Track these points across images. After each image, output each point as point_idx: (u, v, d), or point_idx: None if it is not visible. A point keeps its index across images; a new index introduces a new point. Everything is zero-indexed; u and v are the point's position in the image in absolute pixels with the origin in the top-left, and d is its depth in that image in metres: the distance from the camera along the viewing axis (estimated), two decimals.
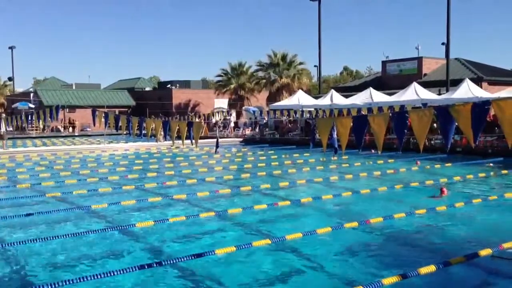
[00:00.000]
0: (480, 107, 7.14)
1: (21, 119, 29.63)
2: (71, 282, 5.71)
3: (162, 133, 21.00)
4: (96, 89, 58.77)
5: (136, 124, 16.94)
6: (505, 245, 6.84)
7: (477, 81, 30.35)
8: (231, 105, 49.09)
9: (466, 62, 38.29)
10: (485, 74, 35.03)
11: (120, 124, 18.25)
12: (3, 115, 26.91)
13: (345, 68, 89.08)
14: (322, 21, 41.56)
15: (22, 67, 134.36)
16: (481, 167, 16.26)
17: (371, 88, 27.40)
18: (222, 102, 50.56)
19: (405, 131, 9.08)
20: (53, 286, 5.47)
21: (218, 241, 7.83)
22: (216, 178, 14.67)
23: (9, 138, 27.26)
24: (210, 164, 18.53)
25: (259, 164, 18.00)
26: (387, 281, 5.50)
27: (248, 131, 36.18)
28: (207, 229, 8.68)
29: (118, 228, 8.63)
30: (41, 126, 43.82)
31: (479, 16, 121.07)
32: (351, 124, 9.48)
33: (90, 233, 8.17)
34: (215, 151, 21.89)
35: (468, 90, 22.76)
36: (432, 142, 21.61)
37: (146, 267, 6.23)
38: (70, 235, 7.96)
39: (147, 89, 62.30)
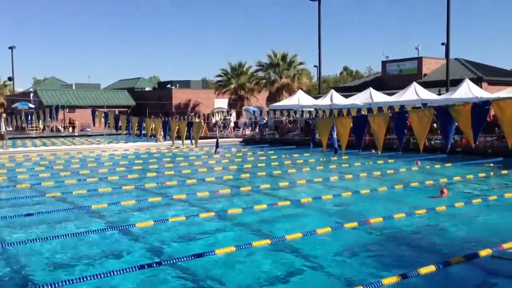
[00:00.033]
0: (480, 107, 7.14)
1: (21, 119, 29.67)
2: (71, 282, 5.71)
3: (162, 133, 21.02)
4: (96, 89, 58.78)
5: (136, 124, 16.94)
6: (505, 245, 6.83)
7: (477, 81, 30.37)
8: (231, 105, 49.10)
9: (466, 62, 38.31)
10: (485, 74, 35.04)
11: (120, 124, 18.25)
12: (4, 115, 26.90)
13: (345, 68, 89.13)
14: (322, 21, 41.62)
15: (22, 67, 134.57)
16: (481, 167, 16.27)
17: (371, 88, 27.40)
18: (222, 102, 50.58)
19: (405, 131, 9.08)
20: (53, 286, 5.47)
21: (218, 241, 7.82)
22: (216, 178, 14.66)
23: (9, 138, 27.25)
24: (210, 164, 18.53)
25: (259, 164, 17.99)
26: (387, 281, 5.50)
27: (248, 131, 36.18)
28: (207, 229, 8.67)
29: (118, 228, 8.62)
30: (41, 126, 43.82)
31: (479, 16, 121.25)
32: (351, 124, 9.48)
33: (90, 233, 8.17)
34: (215, 151, 21.88)
35: (468, 90, 22.76)
36: (432, 142, 21.61)
37: (146, 267, 6.23)
38: (70, 235, 7.95)
39: (147, 89, 62.32)
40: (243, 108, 45.13)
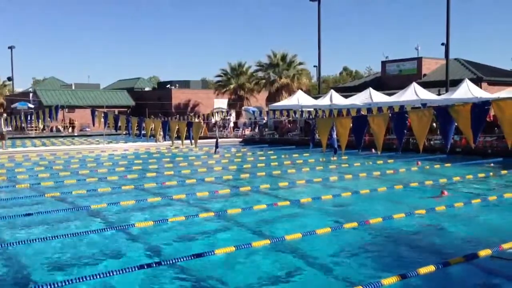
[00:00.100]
0: (479, 108, 7.15)
1: (20, 119, 29.64)
2: (71, 282, 5.71)
3: (162, 133, 21.03)
4: (96, 89, 58.77)
5: (135, 124, 16.95)
6: (505, 246, 6.84)
7: (477, 82, 30.39)
8: (230, 105, 49.12)
9: (466, 62, 38.34)
10: (484, 74, 35.06)
11: (119, 124, 18.25)
12: (4, 115, 26.90)
13: (345, 68, 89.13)
14: (321, 21, 41.66)
15: (21, 67, 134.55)
16: (481, 167, 16.27)
17: (370, 88, 27.41)
18: (221, 102, 50.64)
19: (405, 131, 9.09)
20: (53, 286, 5.46)
21: (218, 241, 7.82)
22: (216, 178, 14.66)
23: (8, 138, 27.24)
24: (210, 164, 18.52)
25: (258, 164, 17.99)
26: (386, 281, 5.50)
27: (247, 131, 36.18)
28: (207, 229, 8.67)
29: (117, 228, 8.62)
30: (41, 126, 43.82)
31: (479, 16, 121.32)
32: (351, 124, 9.49)
33: (89, 233, 8.16)
34: (215, 151, 21.88)
35: (467, 91, 22.76)
36: (432, 142, 21.60)
37: (145, 267, 6.23)
38: (69, 235, 7.95)
39: (147, 89, 62.32)
40: (243, 108, 45.14)
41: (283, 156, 21.03)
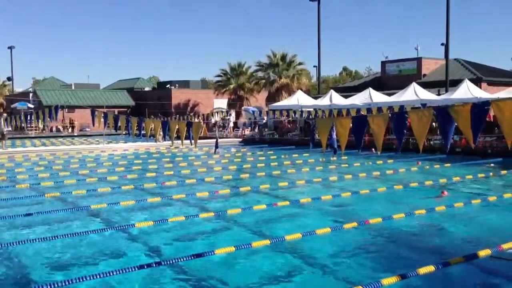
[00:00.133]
0: (479, 108, 7.17)
1: (20, 119, 29.66)
2: (71, 282, 5.71)
3: (161, 133, 21.01)
4: (95, 89, 58.77)
5: (135, 124, 16.96)
6: (504, 246, 6.84)
7: (477, 82, 30.40)
8: (230, 105, 49.14)
9: (466, 62, 38.36)
10: (484, 74, 35.08)
11: (119, 124, 18.27)
12: (5, 114, 26.91)
13: (345, 69, 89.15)
14: (321, 21, 41.69)
15: (21, 67, 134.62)
16: (481, 167, 16.28)
17: (370, 89, 27.42)
18: (221, 102, 50.66)
19: (405, 131, 9.10)
20: (53, 286, 5.46)
21: (217, 241, 7.82)
22: (216, 178, 14.66)
23: (8, 138, 27.24)
24: (210, 164, 18.52)
25: (258, 165, 17.99)
26: (386, 281, 5.50)
27: (247, 131, 36.19)
28: (206, 229, 8.67)
29: (117, 228, 8.62)
30: (41, 126, 43.83)
31: (478, 16, 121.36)
32: (351, 124, 9.50)
33: (89, 233, 8.16)
34: (215, 151, 21.88)
35: (467, 91, 22.77)
36: (432, 142, 21.61)
37: (145, 267, 6.23)
38: (69, 235, 7.95)
39: (147, 89, 62.32)
40: (243, 108, 45.15)
41: (283, 156, 21.03)
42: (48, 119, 26.51)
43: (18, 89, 65.91)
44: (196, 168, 17.16)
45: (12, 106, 49.25)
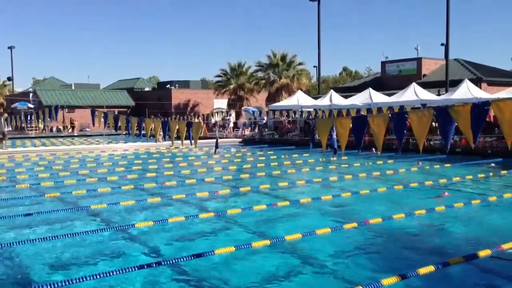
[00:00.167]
0: (479, 108, 7.17)
1: (20, 119, 29.66)
2: (71, 282, 5.71)
3: (162, 133, 21.02)
4: (95, 89, 58.78)
5: (135, 124, 16.96)
6: (504, 246, 6.84)
7: (476, 82, 30.40)
8: (230, 106, 49.15)
9: (466, 62, 38.37)
10: (484, 74, 35.08)
11: (119, 124, 18.26)
12: (5, 115, 26.94)
13: (345, 69, 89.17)
14: (321, 22, 41.71)
15: (21, 67, 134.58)
16: (481, 167, 16.28)
17: (370, 89, 27.42)
18: (221, 103, 50.66)
19: (405, 131, 9.09)
20: (53, 286, 5.47)
21: (218, 241, 7.82)
22: (216, 179, 14.66)
23: (8, 138, 27.24)
24: (210, 165, 18.53)
25: (258, 165, 17.99)
26: (386, 281, 5.50)
27: (247, 132, 36.20)
28: (206, 229, 8.68)
29: (117, 228, 8.62)
30: (41, 126, 43.83)
31: (478, 16, 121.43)
32: (351, 124, 9.50)
33: (89, 233, 8.16)
34: (215, 152, 21.88)
35: (467, 91, 22.77)
36: (432, 142, 21.62)
37: (145, 267, 6.23)
38: (69, 235, 7.95)
39: (147, 89, 62.33)
40: (243, 108, 45.16)
41: (283, 156, 21.03)
42: (48, 119, 26.51)
43: (18, 89, 65.95)
44: (196, 168, 17.16)
45: (12, 106, 49.25)
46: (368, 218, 8.82)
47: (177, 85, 56.79)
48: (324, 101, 28.63)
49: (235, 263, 6.83)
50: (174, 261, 6.55)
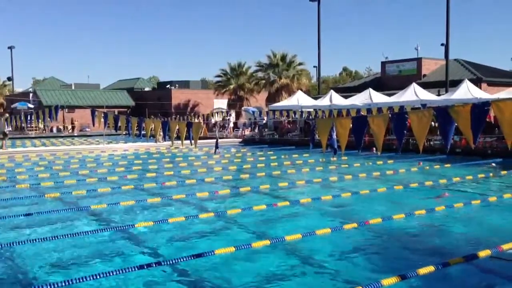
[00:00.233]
0: (479, 108, 7.16)
1: (20, 119, 29.64)
2: (70, 282, 5.71)
3: (162, 133, 20.98)
4: (95, 89, 58.77)
5: (135, 124, 16.94)
6: (504, 246, 6.84)
7: (476, 82, 30.38)
8: (230, 106, 49.13)
9: (465, 63, 38.35)
10: (484, 75, 35.06)
11: (119, 124, 18.25)
12: (6, 115, 26.93)
13: (345, 69, 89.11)
14: (321, 22, 41.73)
15: (21, 67, 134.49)
16: (481, 167, 16.29)
17: (370, 89, 27.42)
18: (221, 103, 50.65)
19: (405, 132, 9.09)
20: (53, 286, 5.47)
21: (217, 241, 7.82)
22: (216, 179, 14.67)
23: (8, 138, 27.24)
24: (210, 165, 18.53)
25: (258, 165, 18.00)
26: (386, 281, 5.51)
27: (247, 132, 36.20)
28: (206, 229, 8.68)
29: (117, 228, 8.63)
30: (41, 126, 43.82)
31: (478, 16, 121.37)
32: (351, 125, 9.49)
33: (89, 233, 8.16)
34: (215, 152, 21.89)
35: (467, 91, 22.77)
36: (432, 143, 21.62)
37: (145, 267, 6.23)
38: (69, 235, 7.95)
39: (147, 89, 62.32)
40: (243, 108, 45.16)
41: (282, 156, 21.03)
42: (48, 119, 26.49)
43: (18, 89, 65.94)
44: (196, 169, 17.16)
45: (12, 106, 49.25)
46: (368, 218, 8.82)
47: (177, 85, 56.78)
48: (324, 101, 28.63)
49: (235, 263, 6.83)
50: (174, 261, 6.56)
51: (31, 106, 47.03)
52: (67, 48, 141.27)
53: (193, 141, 14.96)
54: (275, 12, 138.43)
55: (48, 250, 7.44)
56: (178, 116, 42.53)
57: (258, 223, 9.09)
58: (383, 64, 42.24)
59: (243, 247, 7.03)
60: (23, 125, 36.46)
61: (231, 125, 38.19)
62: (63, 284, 5.59)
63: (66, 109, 46.92)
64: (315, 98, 32.80)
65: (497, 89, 29.95)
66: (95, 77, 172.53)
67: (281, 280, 6.28)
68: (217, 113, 40.15)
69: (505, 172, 15.24)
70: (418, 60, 39.69)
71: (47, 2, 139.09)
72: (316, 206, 10.56)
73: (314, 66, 52.90)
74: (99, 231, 8.34)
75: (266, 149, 25.12)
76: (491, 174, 14.99)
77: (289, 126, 31.96)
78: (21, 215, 9.34)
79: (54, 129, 46.14)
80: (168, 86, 57.00)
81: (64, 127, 47.64)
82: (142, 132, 16.94)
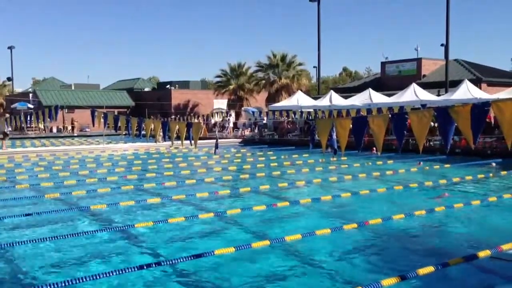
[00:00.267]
0: (479, 108, 7.16)
1: (20, 119, 29.63)
2: (70, 282, 5.71)
3: (161, 133, 20.98)
4: (95, 90, 58.77)
5: (135, 124, 16.94)
6: (504, 246, 6.84)
7: (476, 82, 30.39)
8: (230, 106, 49.13)
9: (465, 63, 38.36)
10: (484, 75, 35.08)
11: (119, 124, 18.24)
12: (6, 115, 26.92)
13: (344, 69, 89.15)
14: (321, 22, 41.71)
15: (21, 67, 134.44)
16: (481, 168, 16.29)
17: (370, 89, 27.42)
18: (221, 103, 50.65)
19: (405, 132, 9.09)
20: (53, 286, 5.46)
21: (217, 241, 7.82)
22: (215, 179, 14.66)
23: (8, 138, 27.23)
24: (209, 165, 18.53)
25: (258, 165, 18.00)
26: (386, 282, 5.50)
27: (247, 132, 36.20)
28: (206, 229, 8.68)
29: (117, 228, 8.63)
30: (41, 127, 43.80)
31: (478, 16, 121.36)
32: (351, 125, 9.49)
33: (89, 233, 8.17)
34: (214, 152, 21.86)
35: (467, 91, 22.77)
36: (432, 143, 21.62)
37: (145, 267, 6.23)
38: (69, 235, 7.95)
39: (146, 89, 62.30)
40: (242, 108, 45.15)
41: (282, 156, 21.03)
42: (48, 119, 26.48)
43: (18, 89, 65.95)
44: (196, 169, 17.16)
45: (12, 106, 49.22)
46: (368, 219, 8.82)
47: (177, 86, 56.78)
48: (324, 102, 28.63)
49: (235, 263, 6.83)
50: (174, 261, 6.56)
51: (31, 106, 47.01)
52: (67, 48, 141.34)
53: (193, 142, 14.96)
54: (275, 12, 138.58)
55: (48, 250, 7.45)
56: (178, 116, 42.51)
57: (258, 223, 9.09)
58: (383, 64, 42.25)
59: (243, 247, 7.03)
60: (22, 125, 36.45)
61: (231, 125, 38.19)
62: (63, 284, 5.59)
63: (66, 109, 46.91)
64: (315, 99, 32.80)
65: (497, 89, 29.95)
66: (95, 77, 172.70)
67: (281, 280, 6.28)
68: (217, 114, 40.17)
69: (505, 172, 15.24)
70: (418, 61, 39.71)
71: (47, 2, 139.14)
72: (316, 207, 10.56)
73: (314, 67, 53.00)
74: (99, 232, 8.34)
75: (266, 150, 25.11)
76: (491, 174, 15.00)
77: (289, 126, 31.96)
78: (21, 215, 9.33)
79: (54, 129, 46.12)
80: (168, 86, 57.00)
81: (64, 127, 47.63)
82: (142, 133, 16.94)
